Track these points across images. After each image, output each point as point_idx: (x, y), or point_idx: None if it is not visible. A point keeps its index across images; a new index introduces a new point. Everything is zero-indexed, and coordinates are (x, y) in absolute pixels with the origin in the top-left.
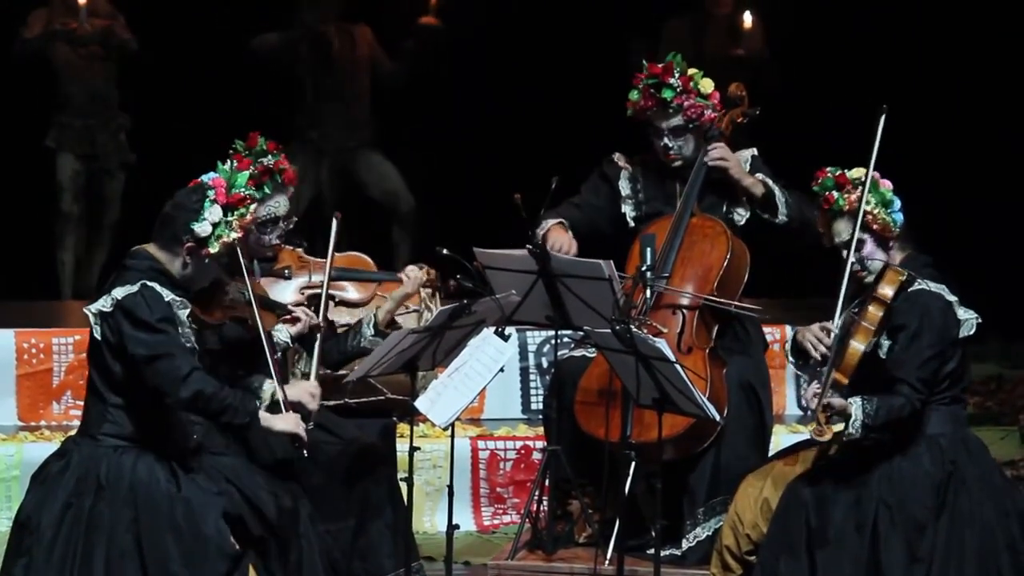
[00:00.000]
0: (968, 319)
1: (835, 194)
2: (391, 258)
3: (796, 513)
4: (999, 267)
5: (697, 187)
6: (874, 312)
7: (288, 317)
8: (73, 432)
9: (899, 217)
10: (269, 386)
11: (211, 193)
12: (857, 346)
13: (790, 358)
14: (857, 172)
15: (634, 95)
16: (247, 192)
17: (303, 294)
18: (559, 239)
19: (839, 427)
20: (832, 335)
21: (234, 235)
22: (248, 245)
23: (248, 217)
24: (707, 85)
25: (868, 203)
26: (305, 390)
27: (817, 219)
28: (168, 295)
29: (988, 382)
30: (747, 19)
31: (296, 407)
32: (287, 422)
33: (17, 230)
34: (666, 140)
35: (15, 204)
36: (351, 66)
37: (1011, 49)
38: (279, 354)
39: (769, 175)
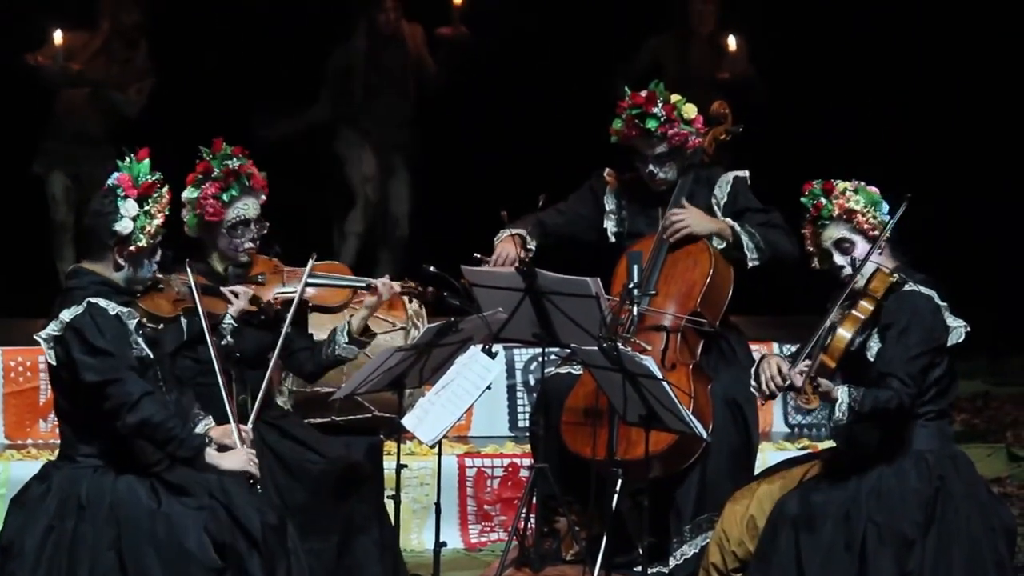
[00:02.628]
0: (957, 327)
1: (823, 200)
2: (374, 271)
3: (785, 530)
4: (986, 284)
5: (679, 206)
6: (865, 305)
7: (226, 295)
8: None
9: (887, 218)
10: (203, 427)
11: (120, 191)
12: (844, 333)
13: (751, 381)
14: (841, 184)
15: (617, 124)
16: (154, 178)
17: (276, 299)
18: (505, 249)
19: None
20: (788, 379)
21: (156, 222)
22: (220, 250)
23: (164, 199)
24: (690, 111)
25: (857, 203)
26: (241, 459)
27: (805, 237)
28: (115, 308)
29: (975, 399)
30: (731, 43)
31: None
32: (236, 460)
33: (1, 248)
34: (651, 167)
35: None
36: (400, 61)
37: (1004, 63)
38: (228, 339)
39: (751, 200)
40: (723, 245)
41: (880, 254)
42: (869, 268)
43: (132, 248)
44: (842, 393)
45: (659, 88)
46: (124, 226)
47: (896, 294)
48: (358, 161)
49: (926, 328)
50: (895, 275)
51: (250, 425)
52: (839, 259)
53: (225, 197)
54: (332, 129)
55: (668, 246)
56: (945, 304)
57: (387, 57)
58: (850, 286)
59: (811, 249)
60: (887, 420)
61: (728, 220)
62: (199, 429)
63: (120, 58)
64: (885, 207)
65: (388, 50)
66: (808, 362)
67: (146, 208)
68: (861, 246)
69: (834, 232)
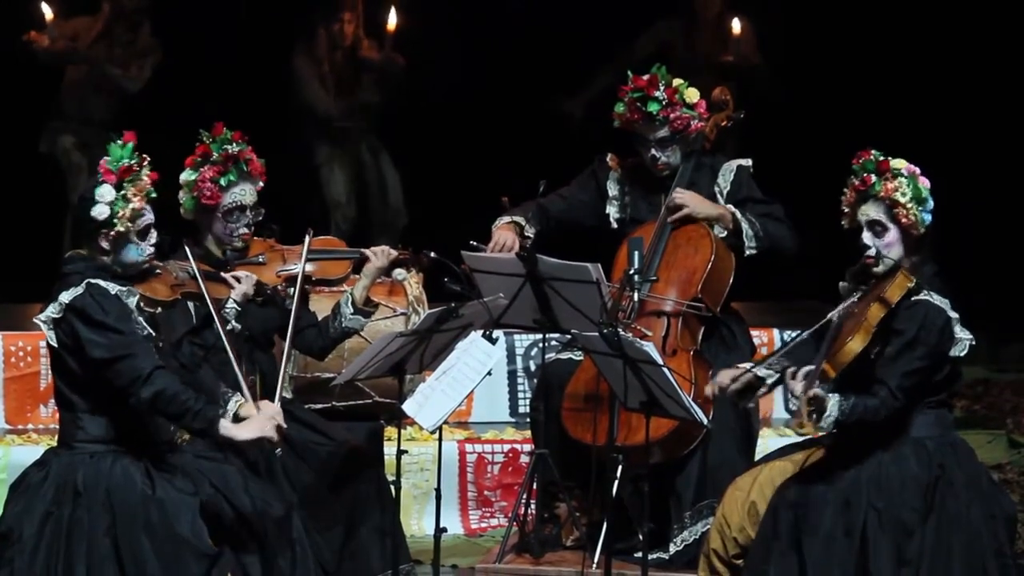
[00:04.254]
0: (963, 339)
1: (873, 177)
2: None
3: (785, 516)
4: (986, 270)
5: (684, 186)
6: (876, 312)
7: (228, 280)
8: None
9: (928, 218)
10: (234, 404)
11: (99, 176)
12: (854, 346)
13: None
14: (898, 163)
15: (620, 108)
16: (132, 161)
17: (280, 276)
18: (502, 236)
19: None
20: (727, 391)
21: (132, 206)
22: (215, 235)
23: (143, 182)
24: (692, 95)
25: (904, 195)
26: (255, 427)
27: (846, 195)
28: (114, 287)
29: (975, 386)
30: (736, 25)
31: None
32: (251, 429)
33: (1, 234)
34: (654, 151)
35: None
36: (363, 70)
37: (1010, 53)
38: (232, 324)
39: (753, 191)
40: (724, 234)
41: (911, 248)
42: (890, 261)
43: (112, 233)
44: (832, 406)
45: (661, 72)
46: (100, 211)
47: (910, 302)
48: (328, 184)
49: (931, 344)
50: (914, 280)
51: (277, 403)
52: (867, 239)
53: (223, 181)
54: (309, 144)
55: (670, 232)
56: (956, 316)
57: (348, 68)
58: (858, 275)
59: (845, 209)
60: (870, 427)
61: (729, 206)
62: (230, 406)
63: (123, 41)
64: (930, 204)
65: (349, 60)
66: (805, 373)
67: (123, 192)
68: (893, 234)
69: (871, 211)
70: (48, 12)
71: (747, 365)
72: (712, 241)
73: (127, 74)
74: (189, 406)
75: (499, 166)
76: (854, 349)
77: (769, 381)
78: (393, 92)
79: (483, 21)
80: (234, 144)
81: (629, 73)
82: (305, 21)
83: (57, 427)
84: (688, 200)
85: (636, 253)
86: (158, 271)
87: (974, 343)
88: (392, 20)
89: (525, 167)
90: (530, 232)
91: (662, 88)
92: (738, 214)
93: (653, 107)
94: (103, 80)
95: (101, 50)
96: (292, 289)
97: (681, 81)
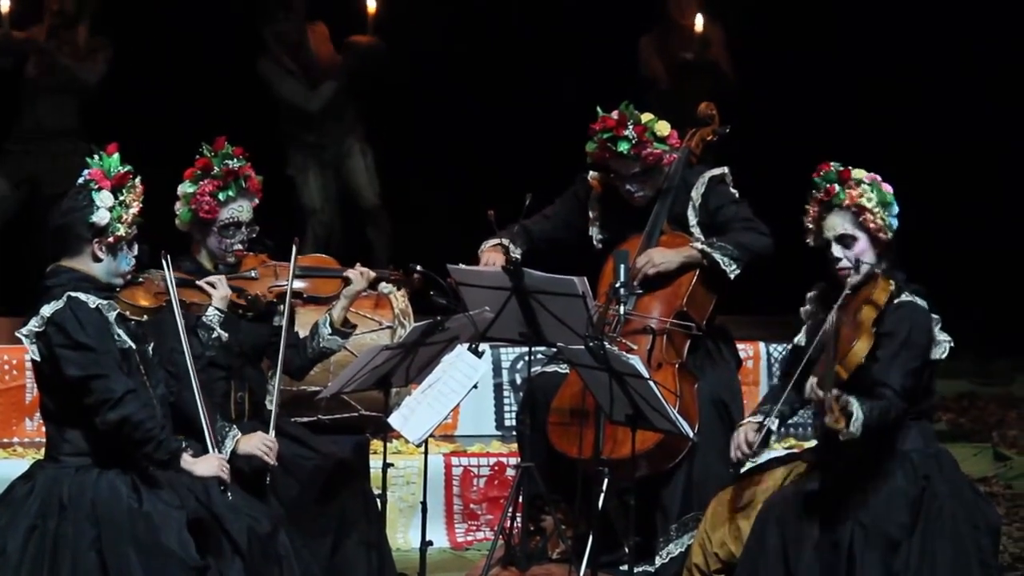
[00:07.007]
0: (943, 342)
1: (837, 187)
2: (370, 258)
3: (772, 531)
4: (972, 284)
5: (666, 208)
6: (869, 314)
7: (204, 287)
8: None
9: (894, 222)
10: (231, 441)
11: (93, 184)
12: (862, 347)
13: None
14: (859, 172)
15: (591, 146)
16: (125, 169)
17: (272, 292)
18: (491, 258)
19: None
20: (754, 445)
21: (131, 211)
22: (209, 248)
23: (138, 189)
24: (663, 128)
25: (869, 200)
26: (258, 442)
27: (808, 213)
28: (95, 301)
29: (961, 399)
30: (698, 23)
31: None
32: (208, 466)
33: None
34: (628, 186)
35: None
36: (322, 64)
37: (991, 62)
38: (216, 332)
39: (721, 197)
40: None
41: (880, 253)
42: (866, 267)
43: (110, 239)
44: (857, 409)
45: (629, 110)
46: (101, 216)
47: (896, 303)
48: (302, 192)
49: (923, 344)
50: (894, 283)
51: (272, 434)
52: (838, 252)
53: (221, 196)
54: (283, 151)
55: (656, 245)
56: (937, 317)
57: (301, 62)
58: (847, 287)
59: (810, 226)
60: (883, 432)
61: (696, 245)
62: (228, 442)
63: (67, 41)
64: (895, 209)
65: (299, 56)
66: (832, 392)
67: (121, 198)
68: (862, 243)
69: (838, 223)
70: (5, 5)
71: (756, 419)
72: None
73: (83, 65)
74: (154, 435)
75: (483, 178)
76: (862, 350)
77: (775, 427)
78: (371, 77)
79: (462, 28)
80: (235, 160)
81: (599, 111)
82: (250, 26)
83: (43, 440)
84: (656, 262)
85: (622, 266)
86: (141, 279)
87: (952, 345)
88: (372, 2)
89: (511, 178)
90: (516, 254)
91: (631, 127)
92: (706, 249)
93: (623, 147)
94: (61, 74)
95: (54, 52)
96: (282, 306)
97: (651, 116)
